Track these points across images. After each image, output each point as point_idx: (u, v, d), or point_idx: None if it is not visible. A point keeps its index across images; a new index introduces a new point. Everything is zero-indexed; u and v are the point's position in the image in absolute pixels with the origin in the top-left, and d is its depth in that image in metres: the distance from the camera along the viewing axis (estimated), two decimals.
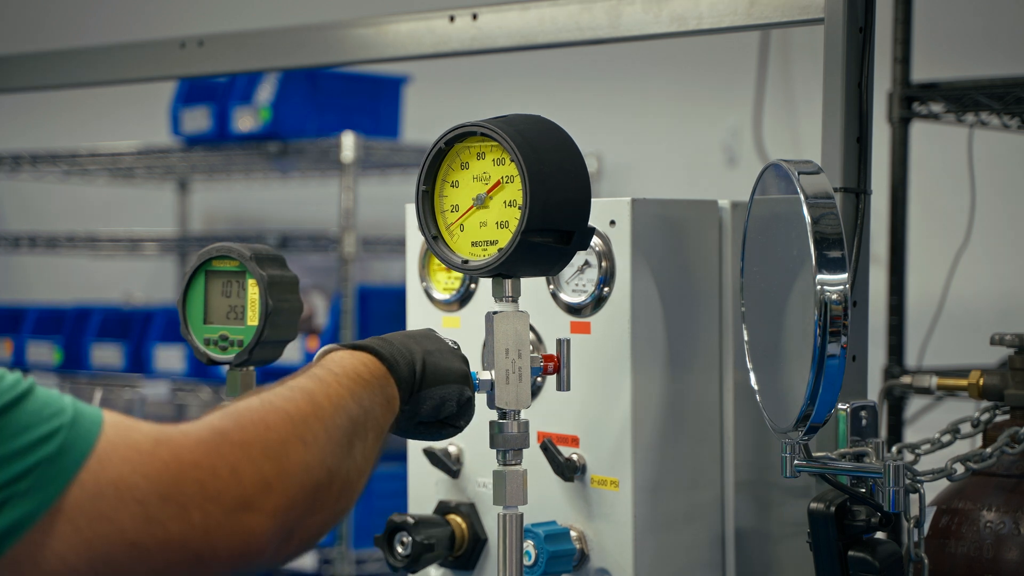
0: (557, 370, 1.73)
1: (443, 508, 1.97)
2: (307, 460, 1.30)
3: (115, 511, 1.19)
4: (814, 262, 1.58)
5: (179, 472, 1.22)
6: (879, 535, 1.78)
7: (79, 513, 1.18)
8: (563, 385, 1.73)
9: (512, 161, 1.64)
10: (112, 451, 1.20)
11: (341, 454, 1.36)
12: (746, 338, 1.78)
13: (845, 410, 1.76)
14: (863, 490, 1.73)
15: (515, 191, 1.65)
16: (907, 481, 1.70)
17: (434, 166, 1.72)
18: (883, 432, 2.37)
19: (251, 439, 1.27)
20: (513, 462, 1.69)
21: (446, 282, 2.00)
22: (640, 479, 1.84)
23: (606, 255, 1.84)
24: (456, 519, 1.95)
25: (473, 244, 1.69)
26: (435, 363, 1.57)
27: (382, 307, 4.40)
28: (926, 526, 1.83)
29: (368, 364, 1.49)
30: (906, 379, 2.14)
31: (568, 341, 1.73)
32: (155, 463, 1.21)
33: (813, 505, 1.76)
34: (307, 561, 4.34)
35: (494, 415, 1.68)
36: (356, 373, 1.46)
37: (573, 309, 1.87)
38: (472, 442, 1.96)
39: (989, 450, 1.80)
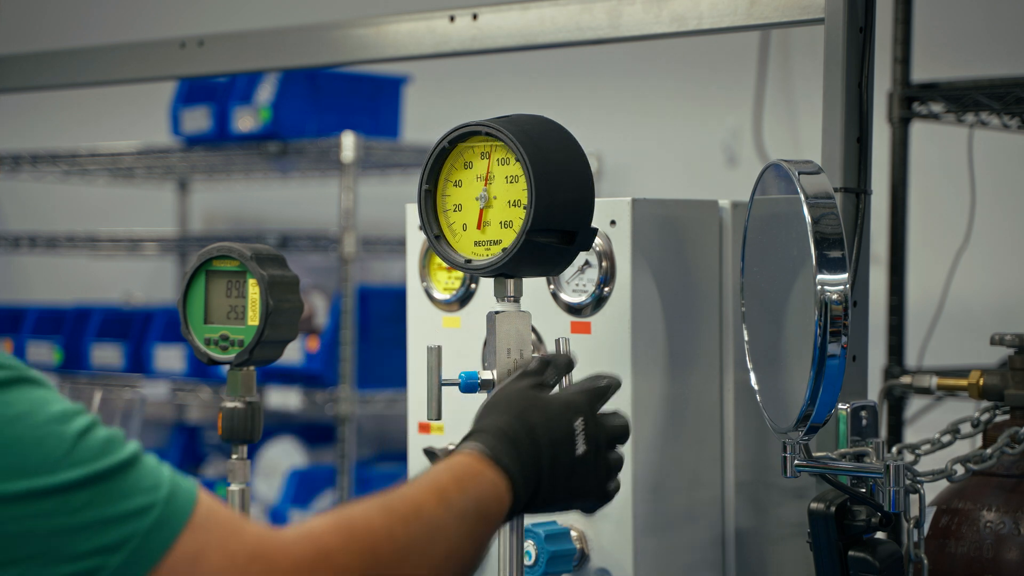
0: None
1: None
2: None
3: None
4: (814, 262, 1.58)
5: None
6: (879, 535, 1.78)
7: None
8: (564, 385, 1.73)
9: (517, 161, 1.64)
10: (209, 553, 1.16)
11: None
12: (746, 338, 1.78)
13: (845, 410, 1.77)
14: (863, 490, 1.73)
15: (519, 191, 1.65)
16: (907, 481, 1.70)
17: (437, 165, 1.72)
18: (883, 432, 2.37)
19: (353, 567, 1.22)
20: None
21: (446, 282, 2.01)
22: (640, 479, 1.84)
23: (606, 255, 1.84)
24: None
25: (476, 244, 1.69)
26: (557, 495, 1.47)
27: (382, 307, 4.40)
28: (926, 526, 1.83)
29: (502, 500, 1.38)
30: (906, 379, 2.14)
31: (567, 340, 1.73)
32: None
33: (813, 505, 1.76)
34: None
35: None
36: (485, 512, 1.36)
37: (573, 309, 1.87)
38: None
39: (989, 450, 1.80)
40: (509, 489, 1.39)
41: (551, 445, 1.45)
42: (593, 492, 1.50)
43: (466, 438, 1.44)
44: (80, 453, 1.13)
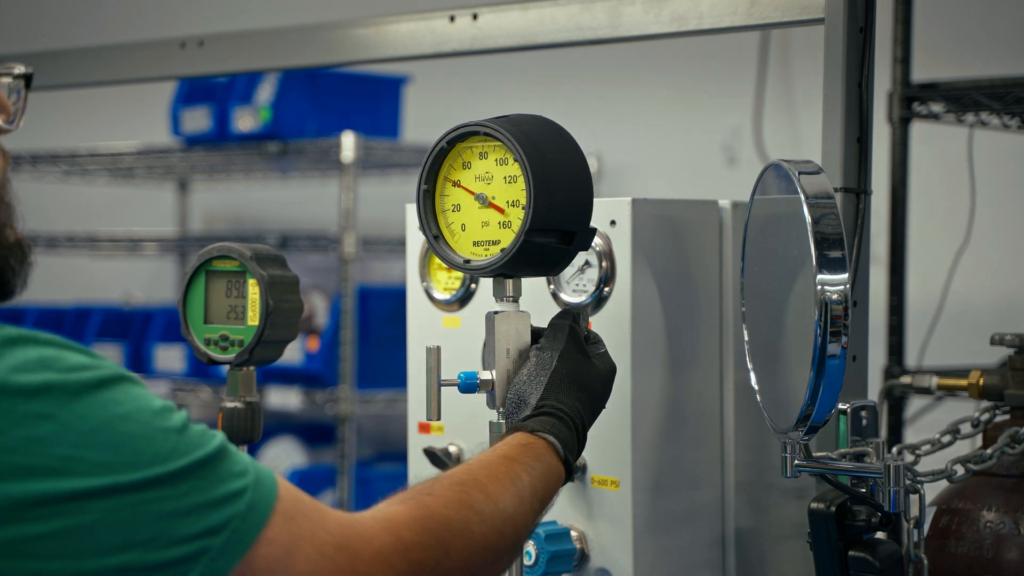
0: None
1: None
2: None
3: None
4: (814, 262, 1.58)
5: None
6: (879, 535, 1.78)
7: None
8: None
9: (516, 161, 1.64)
10: (302, 544, 1.25)
11: None
12: (746, 338, 1.78)
13: (845, 410, 1.76)
14: (863, 490, 1.73)
15: (518, 191, 1.65)
16: (907, 482, 1.70)
17: (436, 165, 1.72)
18: (883, 432, 2.37)
19: (426, 562, 1.33)
20: None
21: (446, 282, 2.00)
22: (640, 479, 1.84)
23: (606, 255, 1.84)
24: None
25: (475, 244, 1.69)
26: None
27: (382, 307, 4.40)
28: (926, 526, 1.83)
29: (559, 476, 1.56)
30: (906, 379, 2.14)
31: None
32: (333, 570, 1.27)
33: (813, 505, 1.76)
34: None
35: (494, 415, 1.68)
36: (548, 495, 1.53)
37: None
38: (472, 442, 1.96)
39: (989, 451, 1.80)
40: (564, 473, 1.57)
41: (595, 416, 1.66)
42: None
43: (543, 413, 1.58)
44: (184, 444, 1.22)
